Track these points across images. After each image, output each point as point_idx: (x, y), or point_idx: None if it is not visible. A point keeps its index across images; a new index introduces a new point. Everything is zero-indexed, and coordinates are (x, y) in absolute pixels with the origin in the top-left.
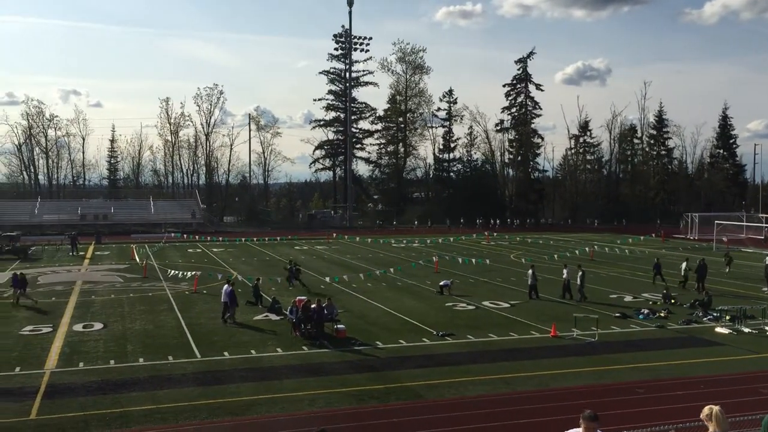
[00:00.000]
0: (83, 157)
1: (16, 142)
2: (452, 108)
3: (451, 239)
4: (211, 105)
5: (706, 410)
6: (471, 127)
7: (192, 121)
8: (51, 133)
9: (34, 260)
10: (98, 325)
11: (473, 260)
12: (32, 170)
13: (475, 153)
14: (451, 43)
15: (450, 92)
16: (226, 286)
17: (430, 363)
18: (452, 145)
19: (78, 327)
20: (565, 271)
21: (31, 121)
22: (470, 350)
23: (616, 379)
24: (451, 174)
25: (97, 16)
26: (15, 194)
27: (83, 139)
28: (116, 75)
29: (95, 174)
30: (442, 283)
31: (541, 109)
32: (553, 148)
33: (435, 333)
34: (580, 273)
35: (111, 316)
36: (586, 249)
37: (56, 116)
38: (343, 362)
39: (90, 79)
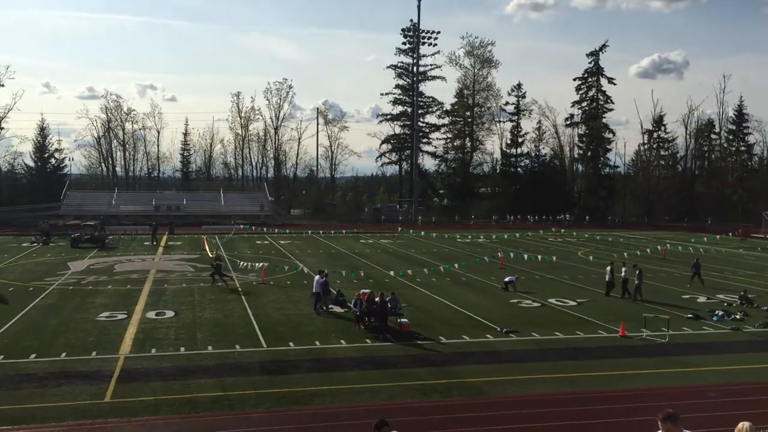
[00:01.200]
0: (158, 150)
1: (96, 135)
2: (521, 102)
3: (517, 235)
4: (280, 99)
5: (739, 426)
6: (540, 121)
7: (262, 115)
8: (128, 126)
9: (111, 249)
10: (170, 313)
11: (539, 257)
12: (110, 162)
13: (544, 148)
14: (521, 37)
15: (519, 86)
16: (317, 276)
17: (493, 359)
18: (520, 139)
19: (151, 314)
20: (623, 269)
21: (109, 114)
22: (534, 348)
23: (686, 382)
24: (519, 169)
25: (174, 12)
26: (94, 185)
27: (158, 133)
28: (190, 70)
29: (169, 166)
30: (506, 279)
31: (613, 103)
32: (625, 144)
33: (499, 329)
34: (637, 271)
35: (182, 304)
36: (658, 247)
37: (133, 110)
38: (406, 356)
39: (166, 74)
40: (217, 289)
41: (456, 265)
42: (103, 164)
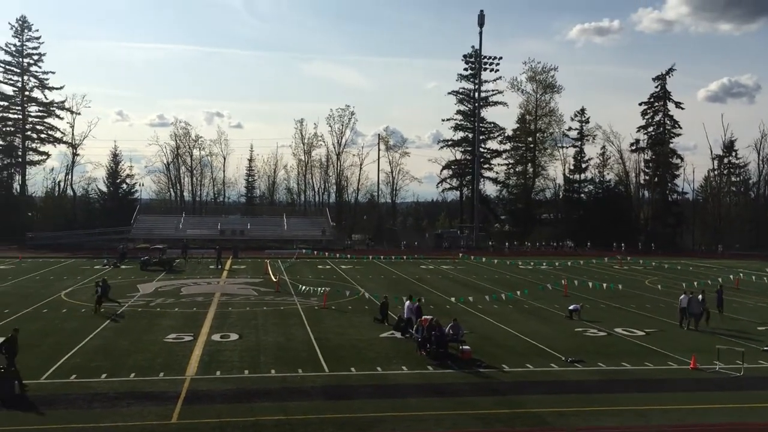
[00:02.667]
0: (224, 176)
1: (165, 161)
2: (584, 127)
3: (581, 262)
4: (342, 125)
5: None
6: (604, 146)
7: (324, 142)
8: (196, 152)
9: (177, 272)
10: (234, 336)
11: (604, 285)
12: (178, 187)
13: (608, 174)
14: (584, 61)
15: (582, 111)
16: (408, 302)
17: (558, 389)
18: (583, 165)
19: (216, 337)
20: (682, 298)
21: (178, 141)
22: (601, 378)
23: (764, 419)
24: (582, 195)
25: (240, 42)
26: (163, 210)
27: (224, 159)
28: (256, 97)
29: (234, 191)
30: (571, 308)
31: (680, 128)
32: (694, 169)
33: (563, 359)
34: (699, 296)
35: (246, 327)
36: (731, 276)
37: (201, 137)
38: (468, 384)
39: (232, 101)
40: (280, 313)
41: (518, 292)
42: (171, 189)
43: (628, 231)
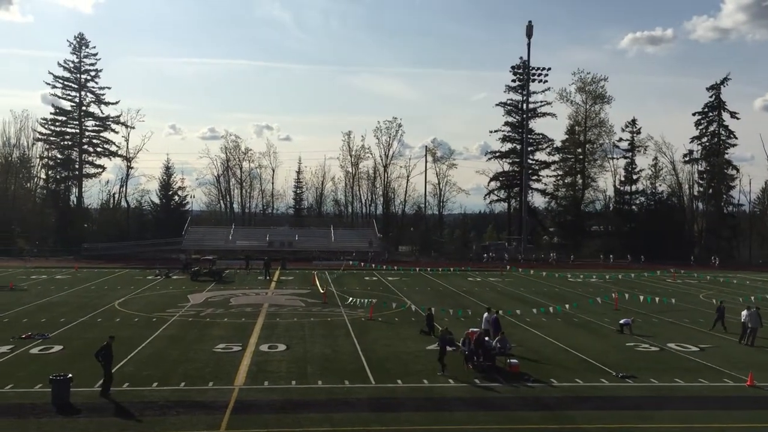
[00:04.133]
0: (272, 188)
1: (215, 174)
2: (635, 138)
3: (632, 275)
4: (389, 137)
5: None
6: (656, 158)
7: (371, 153)
8: (245, 165)
9: (227, 283)
10: (282, 347)
11: (657, 298)
12: (228, 199)
13: (660, 185)
14: (636, 71)
15: (633, 122)
16: (486, 314)
17: (608, 405)
18: (635, 176)
19: (264, 347)
20: (744, 313)
21: (228, 154)
22: (653, 395)
23: None
24: (633, 207)
25: (288, 56)
26: (213, 222)
27: (273, 171)
28: (304, 110)
29: (282, 203)
30: (622, 322)
31: (736, 138)
32: (750, 181)
33: (614, 374)
34: (748, 312)
35: (293, 338)
36: None
37: (250, 149)
38: (516, 398)
39: (281, 114)
40: (327, 324)
41: (567, 306)
42: (221, 201)
43: (682, 244)
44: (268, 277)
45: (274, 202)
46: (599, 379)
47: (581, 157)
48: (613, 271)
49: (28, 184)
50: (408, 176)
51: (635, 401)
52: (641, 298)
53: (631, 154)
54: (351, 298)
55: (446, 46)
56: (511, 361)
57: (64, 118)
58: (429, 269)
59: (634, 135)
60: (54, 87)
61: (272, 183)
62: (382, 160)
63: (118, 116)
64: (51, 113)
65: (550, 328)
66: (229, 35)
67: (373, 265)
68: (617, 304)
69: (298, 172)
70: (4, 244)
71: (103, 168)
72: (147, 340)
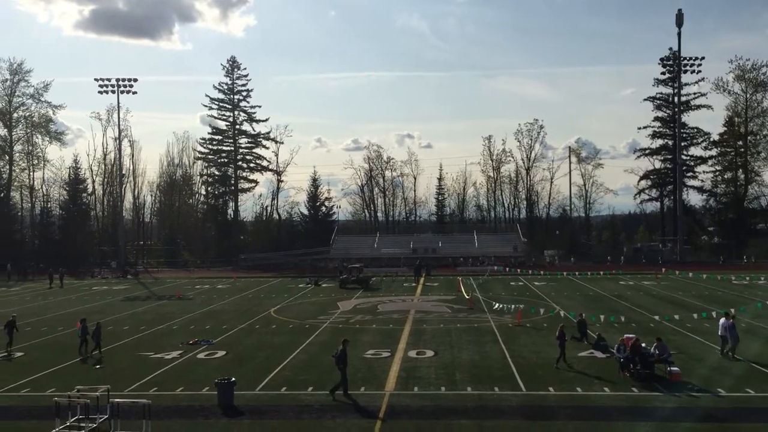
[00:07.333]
0: (414, 195)
1: (360, 184)
2: None
3: None
4: (531, 140)
5: None
6: None
7: (513, 157)
8: (388, 174)
9: (374, 290)
10: (429, 353)
11: None
12: (372, 208)
13: None
14: None
15: None
16: (723, 319)
17: None
18: None
19: (412, 353)
20: None
21: (371, 164)
22: None
23: None
24: None
25: (426, 64)
26: (358, 230)
27: (415, 179)
28: (444, 117)
29: (425, 210)
30: None
31: None
32: None
33: None
34: None
35: (441, 344)
36: None
37: (392, 158)
38: (679, 408)
39: (421, 122)
40: (474, 330)
41: (732, 310)
42: (365, 210)
43: None
44: (417, 283)
45: (417, 209)
46: None
47: (742, 150)
48: None
49: (190, 200)
50: (552, 178)
51: None
52: None
53: None
54: (497, 304)
55: (587, 43)
56: (672, 369)
57: (220, 137)
58: (577, 273)
59: None
60: (210, 108)
61: (414, 190)
62: (524, 163)
63: (268, 133)
64: (208, 133)
65: (713, 334)
66: (370, 48)
67: (519, 270)
68: None
69: (440, 179)
70: (171, 257)
71: (256, 182)
72: (301, 346)
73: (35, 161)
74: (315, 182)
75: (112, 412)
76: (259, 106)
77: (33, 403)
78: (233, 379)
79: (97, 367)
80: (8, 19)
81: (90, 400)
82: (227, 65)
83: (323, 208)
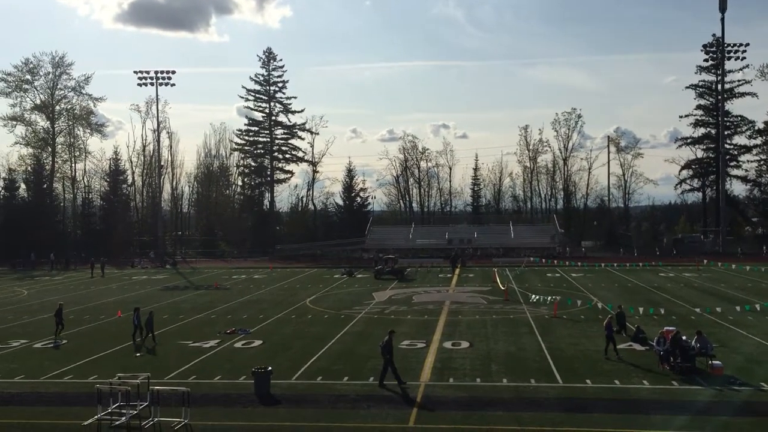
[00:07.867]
0: (450, 186)
1: (395, 174)
2: None
3: None
4: (569, 129)
5: None
6: None
7: (550, 147)
8: (423, 164)
9: (409, 281)
10: (465, 344)
11: None
12: (407, 199)
13: None
14: None
15: None
16: None
17: None
18: None
19: (447, 344)
20: None
21: (406, 154)
22: None
23: None
24: None
25: (462, 53)
26: (393, 221)
27: (450, 169)
28: (480, 107)
29: (460, 201)
30: None
31: None
32: None
33: None
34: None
35: (476, 335)
36: None
37: (427, 149)
38: (721, 402)
39: (457, 113)
40: (509, 322)
41: None
42: (401, 201)
43: None
44: (453, 274)
45: (452, 200)
46: None
47: None
48: None
49: (227, 191)
50: (590, 168)
51: None
52: None
53: None
54: (533, 296)
55: (627, 30)
56: (714, 362)
57: (256, 128)
58: (615, 264)
59: None
60: (247, 100)
61: (449, 181)
62: (561, 153)
63: (304, 123)
64: (245, 124)
65: (757, 328)
66: (405, 38)
67: (555, 262)
68: None
69: (475, 169)
70: (209, 247)
71: (292, 173)
72: (336, 336)
73: (77, 153)
74: (350, 173)
75: (152, 399)
76: (295, 97)
77: (75, 389)
78: (270, 368)
79: (138, 355)
80: (50, 12)
81: (131, 387)
82: (263, 57)
83: (358, 199)
